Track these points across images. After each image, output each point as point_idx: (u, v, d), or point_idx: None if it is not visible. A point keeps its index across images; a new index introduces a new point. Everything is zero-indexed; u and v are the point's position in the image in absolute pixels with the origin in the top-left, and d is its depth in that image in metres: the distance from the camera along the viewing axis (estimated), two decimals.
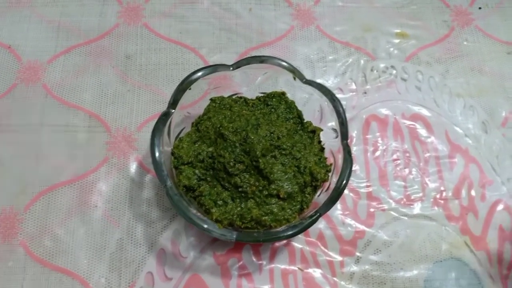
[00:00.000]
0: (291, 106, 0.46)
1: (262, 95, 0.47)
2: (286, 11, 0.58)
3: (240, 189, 0.41)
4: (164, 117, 0.42)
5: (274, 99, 0.46)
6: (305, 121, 0.46)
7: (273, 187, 0.41)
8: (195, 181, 0.41)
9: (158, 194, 0.47)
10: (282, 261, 0.45)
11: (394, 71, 0.54)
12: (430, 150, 0.50)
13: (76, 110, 0.50)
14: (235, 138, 0.41)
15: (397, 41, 0.56)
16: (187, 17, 0.56)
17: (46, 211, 0.45)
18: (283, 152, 0.42)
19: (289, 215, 0.41)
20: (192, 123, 0.45)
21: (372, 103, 0.52)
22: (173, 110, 0.43)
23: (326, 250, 0.46)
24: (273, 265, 0.45)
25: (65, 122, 0.49)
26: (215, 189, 0.41)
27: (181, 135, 0.45)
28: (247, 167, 0.41)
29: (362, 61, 0.55)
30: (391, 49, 0.56)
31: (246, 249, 0.45)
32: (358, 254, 0.46)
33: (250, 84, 0.48)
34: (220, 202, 0.41)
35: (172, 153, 0.43)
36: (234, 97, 0.47)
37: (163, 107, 0.50)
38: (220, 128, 0.42)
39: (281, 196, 0.41)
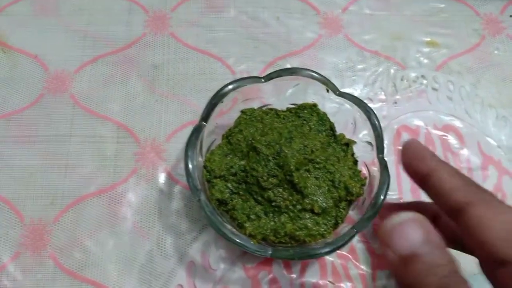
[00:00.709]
0: (323, 118, 0.45)
1: (293, 106, 0.46)
2: (314, 19, 0.57)
3: (273, 204, 0.40)
4: (197, 131, 0.41)
5: (305, 111, 0.45)
6: (337, 133, 0.45)
7: (307, 201, 0.40)
8: (228, 194, 0.41)
9: (187, 205, 0.46)
10: (313, 274, 0.44)
11: (425, 81, 0.53)
12: (463, 161, 0.49)
13: (104, 120, 0.50)
14: (268, 152, 0.41)
15: (427, 50, 0.55)
16: (214, 26, 0.56)
17: (75, 223, 0.45)
18: (317, 166, 0.41)
19: (323, 230, 0.40)
20: (223, 136, 0.45)
21: (403, 113, 0.52)
22: (206, 124, 0.42)
23: (357, 264, 0.45)
24: (304, 279, 0.44)
25: (93, 133, 0.49)
26: (248, 203, 0.40)
27: (212, 147, 0.45)
28: (280, 181, 0.40)
29: (392, 70, 0.54)
30: (421, 58, 0.55)
31: (277, 262, 0.45)
32: None
33: (280, 96, 0.47)
34: (253, 216, 0.40)
35: (205, 167, 0.42)
36: (264, 108, 0.47)
37: (191, 117, 0.50)
38: (253, 142, 0.42)
39: (315, 211, 0.40)
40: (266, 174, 0.40)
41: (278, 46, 0.55)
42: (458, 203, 0.29)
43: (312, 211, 0.40)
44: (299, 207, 0.40)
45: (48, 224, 0.45)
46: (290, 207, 0.40)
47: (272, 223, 0.40)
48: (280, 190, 0.40)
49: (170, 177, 0.48)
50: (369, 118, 0.42)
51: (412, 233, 0.28)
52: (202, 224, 0.46)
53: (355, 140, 0.45)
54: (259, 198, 0.40)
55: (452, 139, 0.50)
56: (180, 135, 0.49)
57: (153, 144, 0.49)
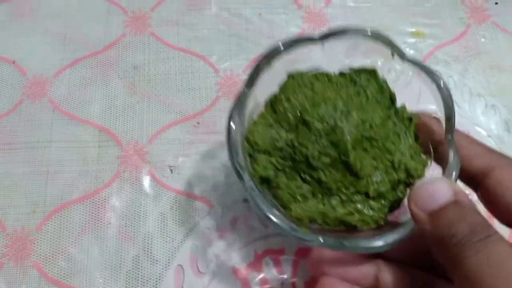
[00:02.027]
0: (382, 86, 0.39)
1: (348, 71, 0.40)
2: (297, 14, 0.56)
3: (323, 185, 0.36)
4: (240, 99, 0.36)
5: (362, 76, 0.39)
6: (398, 105, 0.39)
7: (362, 184, 0.35)
8: (272, 171, 0.36)
9: (173, 208, 0.45)
10: (305, 275, 0.43)
11: (412, 72, 0.52)
12: None
13: (85, 124, 0.49)
14: (321, 127, 0.35)
15: (413, 40, 0.55)
16: (195, 24, 0.55)
17: (59, 230, 0.44)
18: (375, 144, 0.36)
19: (377, 216, 0.36)
20: (266, 103, 0.39)
21: None
22: (248, 91, 0.37)
23: None
24: (295, 279, 0.43)
25: (74, 138, 0.48)
26: (294, 182, 0.36)
27: (253, 117, 0.39)
28: (333, 160, 0.35)
29: (379, 63, 0.53)
30: (407, 49, 0.54)
31: (266, 263, 0.44)
32: None
33: (332, 58, 0.41)
34: (299, 197, 0.36)
35: (246, 139, 0.37)
36: (314, 72, 0.40)
37: (174, 117, 0.49)
38: (303, 113, 0.36)
39: (370, 194, 0.35)
40: (318, 152, 0.35)
41: (261, 42, 0.54)
42: (480, 169, 0.31)
43: (366, 194, 0.36)
44: (352, 189, 0.36)
45: (31, 233, 0.44)
46: (343, 189, 0.36)
47: (321, 205, 0.36)
48: (333, 171, 0.35)
49: (154, 180, 0.46)
50: (442, 95, 0.37)
51: (441, 191, 0.29)
52: (190, 227, 0.45)
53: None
54: (307, 178, 0.36)
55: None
56: (164, 136, 0.48)
57: (135, 147, 0.48)
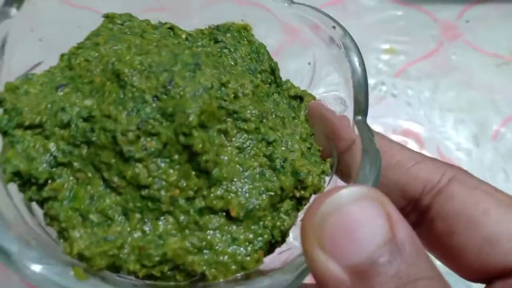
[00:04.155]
0: (259, 51, 0.27)
1: (207, 28, 0.29)
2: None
3: (144, 193, 0.21)
4: None
5: (228, 35, 0.27)
6: (282, 80, 0.28)
7: (217, 193, 0.22)
8: (45, 166, 0.21)
9: None
10: None
11: (384, 87, 0.54)
12: None
13: None
14: (145, 84, 0.22)
15: (386, 57, 0.56)
16: None
17: None
18: (243, 125, 0.23)
19: (244, 255, 0.22)
20: (61, 56, 0.25)
21: None
22: (17, 11, 0.24)
23: None
24: None
25: None
26: (90, 187, 0.21)
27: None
28: (165, 145, 0.21)
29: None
30: (380, 65, 0.56)
31: None
32: None
33: (186, 7, 0.30)
34: (95, 218, 0.21)
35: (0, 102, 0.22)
36: (154, 22, 0.28)
37: None
38: (116, 64, 0.23)
39: (232, 214, 0.22)
40: (136, 127, 0.21)
41: None
42: (425, 182, 0.24)
43: (226, 213, 0.22)
44: (199, 204, 0.22)
45: None
46: (181, 202, 0.22)
47: (138, 234, 0.21)
48: (164, 165, 0.21)
49: None
50: (348, 55, 0.25)
51: (369, 226, 0.17)
52: None
53: (313, 94, 0.28)
54: (115, 180, 0.21)
55: (412, 144, 0.51)
56: None
57: None
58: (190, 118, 0.21)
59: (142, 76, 0.22)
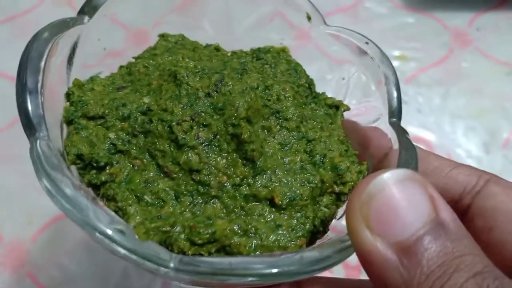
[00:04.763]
0: (296, 69, 0.30)
1: (249, 50, 0.31)
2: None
3: (195, 178, 0.23)
4: (68, 22, 0.24)
5: (268, 55, 0.30)
6: (318, 92, 0.30)
7: (262, 182, 0.23)
8: (105, 152, 0.23)
9: None
10: None
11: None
12: None
13: None
14: (198, 84, 0.24)
15: (397, 63, 0.57)
16: None
17: (53, 241, 0.46)
18: (286, 123, 0.25)
19: (288, 241, 0.23)
20: (120, 67, 0.28)
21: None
22: (90, 18, 0.26)
23: None
24: None
25: None
26: (145, 172, 0.23)
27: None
28: (215, 135, 0.23)
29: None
30: None
31: None
32: None
33: (229, 29, 0.32)
34: (150, 199, 0.23)
35: (68, 94, 0.25)
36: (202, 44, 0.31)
37: None
38: (173, 68, 0.25)
39: (276, 202, 0.23)
40: (189, 119, 0.23)
41: None
42: (464, 185, 0.26)
43: (270, 201, 0.23)
44: (245, 190, 0.23)
45: (26, 243, 0.46)
46: (229, 188, 0.23)
47: (189, 214, 0.22)
48: (213, 153, 0.23)
49: None
50: (380, 64, 0.27)
51: (413, 205, 0.18)
52: None
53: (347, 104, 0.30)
54: (169, 165, 0.23)
55: None
56: None
57: None
58: (239, 110, 0.23)
59: (196, 76, 0.24)
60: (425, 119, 0.53)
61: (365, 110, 0.29)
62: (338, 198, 0.25)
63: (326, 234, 0.25)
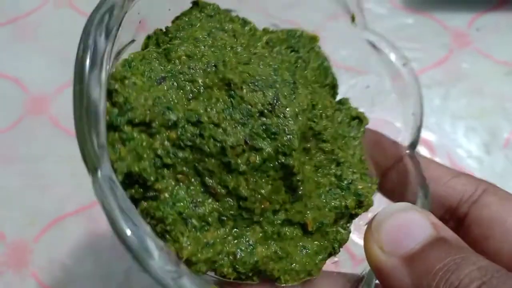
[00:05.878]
0: (325, 66, 0.28)
1: (275, 28, 0.28)
2: None
3: (242, 205, 0.22)
4: (112, 12, 0.20)
5: (300, 44, 0.27)
6: (342, 98, 0.29)
7: (298, 208, 0.23)
8: (151, 167, 0.21)
9: None
10: None
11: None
12: None
13: None
14: (253, 100, 0.22)
15: None
16: None
17: (56, 241, 0.46)
18: (323, 145, 0.24)
19: (313, 264, 0.24)
20: (151, 37, 0.25)
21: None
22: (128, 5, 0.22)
23: None
24: None
25: (71, 153, 0.50)
26: (191, 189, 0.22)
27: (123, 53, 0.24)
28: (264, 161, 0.22)
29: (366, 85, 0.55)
30: None
31: None
32: None
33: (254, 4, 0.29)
34: (196, 222, 0.21)
35: (110, 92, 0.21)
36: (232, 15, 0.27)
37: None
38: (221, 68, 0.22)
39: (308, 227, 0.23)
40: (244, 141, 0.21)
41: None
42: (462, 194, 0.27)
43: (302, 226, 0.24)
44: (283, 215, 0.23)
45: (29, 243, 0.46)
46: (269, 214, 0.23)
47: (231, 239, 0.22)
48: (261, 179, 0.22)
49: None
50: (413, 92, 0.27)
51: (416, 223, 0.21)
52: None
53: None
54: (217, 187, 0.22)
55: (423, 151, 0.52)
56: None
57: None
58: (293, 141, 0.22)
59: (249, 89, 0.22)
60: (426, 120, 0.53)
61: (385, 124, 0.30)
62: (351, 217, 0.26)
63: (337, 253, 0.26)
